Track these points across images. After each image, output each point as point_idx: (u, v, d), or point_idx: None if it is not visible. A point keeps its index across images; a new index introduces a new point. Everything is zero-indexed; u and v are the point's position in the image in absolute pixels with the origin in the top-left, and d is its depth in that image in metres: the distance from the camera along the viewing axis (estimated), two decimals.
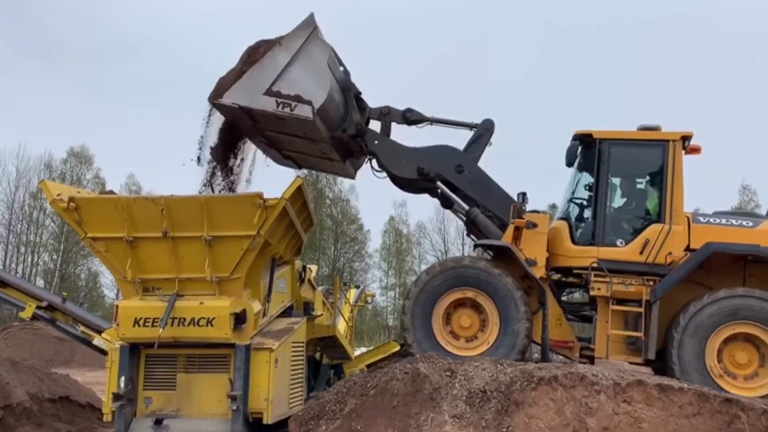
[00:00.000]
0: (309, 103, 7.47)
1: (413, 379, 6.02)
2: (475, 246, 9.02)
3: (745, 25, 72.46)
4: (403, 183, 8.94)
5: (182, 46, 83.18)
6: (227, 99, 7.48)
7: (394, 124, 8.87)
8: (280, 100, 7.44)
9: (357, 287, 15.04)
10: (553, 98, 71.78)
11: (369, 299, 16.54)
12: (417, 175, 8.61)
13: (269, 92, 7.47)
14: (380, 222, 54.08)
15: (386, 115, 8.78)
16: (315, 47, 7.72)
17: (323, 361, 10.34)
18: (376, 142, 8.70)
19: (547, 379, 5.85)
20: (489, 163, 8.81)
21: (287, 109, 7.44)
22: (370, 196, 58.81)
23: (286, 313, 8.12)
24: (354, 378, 7.23)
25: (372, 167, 8.99)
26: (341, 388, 6.72)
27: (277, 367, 6.79)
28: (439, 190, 8.70)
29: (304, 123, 7.63)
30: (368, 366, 11.45)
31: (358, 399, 6.17)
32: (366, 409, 6.00)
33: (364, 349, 13.97)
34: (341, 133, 8.51)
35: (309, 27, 7.70)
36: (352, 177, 10.00)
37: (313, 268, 10.41)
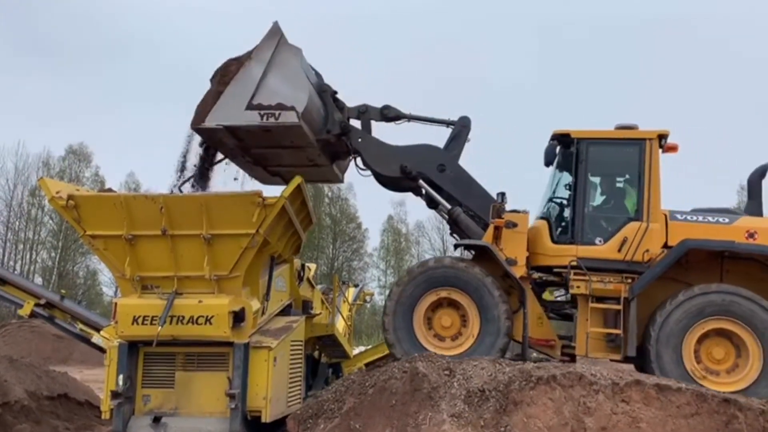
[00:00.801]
0: (292, 108, 7.43)
1: (412, 378, 6.02)
2: (456, 246, 9.05)
3: (746, 26, 72.53)
4: (387, 181, 8.96)
5: (183, 44, 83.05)
6: (210, 122, 7.39)
7: (374, 124, 8.88)
8: (263, 112, 7.38)
9: (355, 286, 15.06)
10: (553, 96, 71.76)
11: (367, 298, 16.55)
12: (400, 173, 8.63)
13: (250, 106, 7.40)
14: (378, 221, 54.19)
15: (364, 113, 8.79)
16: (286, 53, 7.70)
17: (322, 360, 10.36)
18: (359, 139, 8.71)
19: (546, 378, 5.85)
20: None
21: (272, 119, 7.38)
22: (369, 195, 58.83)
23: (285, 311, 8.12)
24: (352, 377, 7.23)
25: (357, 165, 8.99)
26: (340, 386, 6.72)
27: (275, 366, 6.79)
28: (423, 190, 8.72)
29: (291, 130, 7.57)
30: (367, 365, 11.48)
31: (356, 398, 6.17)
32: (364, 408, 6.00)
33: (362, 348, 13.99)
34: (326, 134, 8.52)
35: (276, 36, 7.68)
36: (341, 180, 9.98)
37: (312, 266, 10.42)
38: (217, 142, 8.04)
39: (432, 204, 8.96)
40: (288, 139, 7.86)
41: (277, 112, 7.39)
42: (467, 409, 5.76)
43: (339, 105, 8.70)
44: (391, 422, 5.80)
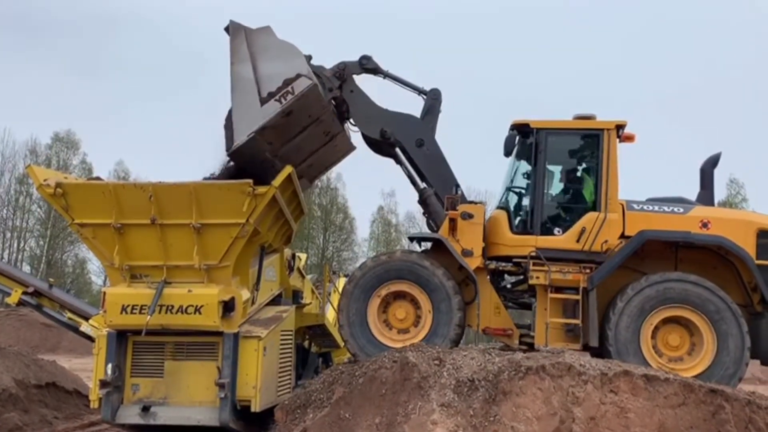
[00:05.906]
0: (298, 75, 7.36)
1: (402, 368, 6.03)
2: (410, 239, 9.05)
3: (742, 23, 72.60)
4: (371, 142, 8.94)
5: (172, 21, 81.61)
6: (240, 138, 7.14)
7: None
8: (278, 97, 7.27)
9: (346, 276, 15.03)
10: (562, 91, 71.35)
11: None
12: (379, 137, 8.61)
13: (264, 100, 7.24)
14: (369, 211, 54.04)
15: (344, 69, 8.70)
16: (260, 38, 7.63)
17: (312, 350, 10.36)
18: (351, 91, 8.70)
19: (535, 368, 5.88)
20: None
21: (290, 96, 7.26)
22: (358, 185, 58.68)
23: (275, 301, 8.11)
24: (342, 366, 7.23)
25: (349, 120, 8.94)
26: (329, 376, 6.73)
27: (265, 356, 6.80)
28: (400, 161, 8.70)
29: (309, 99, 7.40)
30: None
31: (346, 387, 6.18)
32: (354, 398, 6.01)
33: None
34: (330, 93, 8.45)
35: (240, 31, 7.62)
36: (353, 147, 9.78)
37: (303, 256, 10.40)
38: (255, 159, 7.60)
39: (410, 179, 8.91)
40: (307, 113, 7.69)
41: (290, 87, 7.29)
42: (457, 399, 5.78)
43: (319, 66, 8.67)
44: (380, 411, 5.82)
